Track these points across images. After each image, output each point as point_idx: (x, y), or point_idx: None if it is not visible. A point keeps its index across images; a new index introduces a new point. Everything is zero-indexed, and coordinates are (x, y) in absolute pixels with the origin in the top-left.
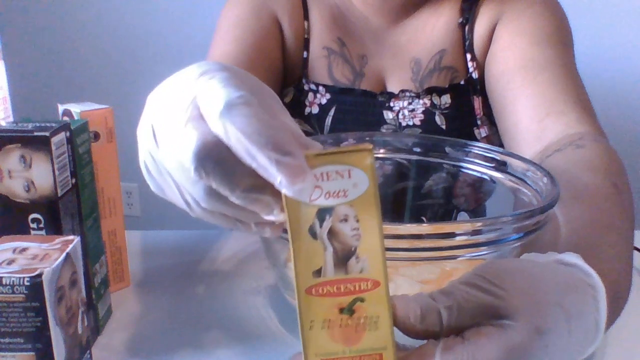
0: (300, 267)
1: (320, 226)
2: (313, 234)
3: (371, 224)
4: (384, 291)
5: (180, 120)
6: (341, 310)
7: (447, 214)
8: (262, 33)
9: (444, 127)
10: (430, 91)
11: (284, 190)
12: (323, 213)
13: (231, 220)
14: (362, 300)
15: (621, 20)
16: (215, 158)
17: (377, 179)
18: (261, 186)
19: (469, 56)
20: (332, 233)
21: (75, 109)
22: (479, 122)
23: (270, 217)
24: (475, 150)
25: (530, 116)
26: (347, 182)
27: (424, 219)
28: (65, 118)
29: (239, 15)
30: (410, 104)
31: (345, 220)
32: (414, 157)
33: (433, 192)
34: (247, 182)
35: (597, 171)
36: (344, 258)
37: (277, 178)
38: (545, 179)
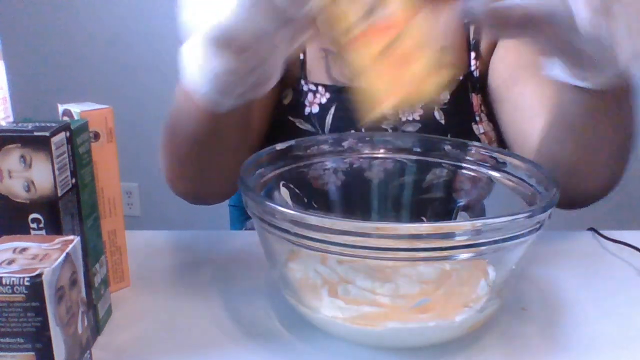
0: (343, 13)
1: None
2: None
3: None
4: (420, 20)
5: None
6: (385, 47)
7: (446, 213)
8: None
9: (442, 122)
10: None
11: None
12: None
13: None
14: (402, 34)
15: None
16: None
17: None
18: None
19: (473, 54)
20: None
21: (75, 109)
22: (477, 118)
23: None
24: (475, 150)
25: (536, 113)
26: None
27: (423, 218)
28: (65, 118)
29: None
30: None
31: None
32: (414, 157)
33: (432, 191)
34: None
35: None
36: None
37: None
38: (545, 179)
